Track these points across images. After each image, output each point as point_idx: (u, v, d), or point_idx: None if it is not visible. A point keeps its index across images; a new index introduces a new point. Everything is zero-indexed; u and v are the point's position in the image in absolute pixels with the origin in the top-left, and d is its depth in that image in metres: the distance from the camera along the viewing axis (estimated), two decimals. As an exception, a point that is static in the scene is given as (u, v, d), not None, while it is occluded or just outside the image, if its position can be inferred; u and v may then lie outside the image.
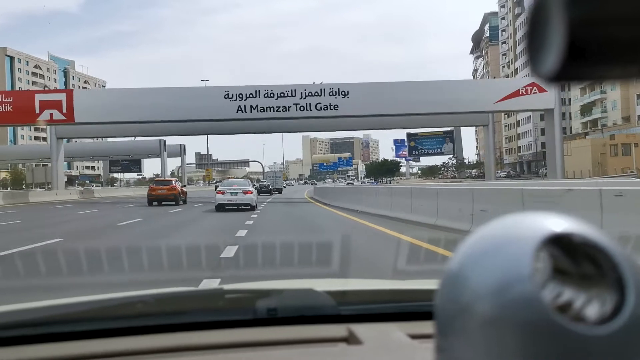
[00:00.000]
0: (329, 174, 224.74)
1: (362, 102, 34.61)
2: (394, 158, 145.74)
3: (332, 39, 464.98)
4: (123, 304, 1.38)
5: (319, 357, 1.17)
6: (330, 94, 34.86)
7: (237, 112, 34.58)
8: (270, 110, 34.67)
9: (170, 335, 1.26)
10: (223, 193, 23.01)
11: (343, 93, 34.91)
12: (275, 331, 1.28)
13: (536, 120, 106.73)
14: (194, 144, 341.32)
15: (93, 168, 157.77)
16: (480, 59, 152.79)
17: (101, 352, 1.17)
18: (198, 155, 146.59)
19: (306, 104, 34.70)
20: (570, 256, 0.57)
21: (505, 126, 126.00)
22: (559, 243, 0.56)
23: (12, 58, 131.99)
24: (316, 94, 34.86)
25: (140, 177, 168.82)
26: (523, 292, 0.53)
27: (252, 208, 22.65)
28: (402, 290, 1.60)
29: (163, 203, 28.63)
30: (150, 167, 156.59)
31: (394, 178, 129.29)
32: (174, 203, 28.67)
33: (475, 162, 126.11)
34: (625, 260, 0.56)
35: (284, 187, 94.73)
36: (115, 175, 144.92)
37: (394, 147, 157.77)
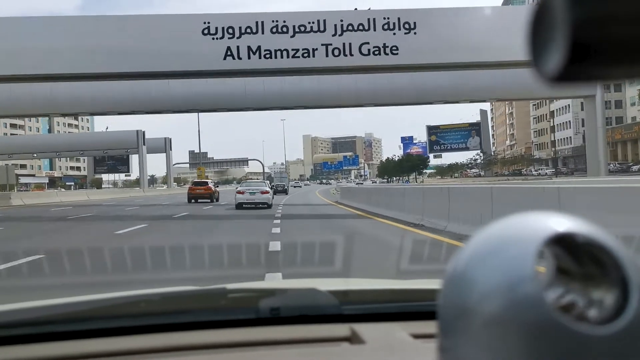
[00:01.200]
0: (331, 174, 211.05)
1: (441, 42, 19.58)
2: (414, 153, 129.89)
3: None
4: (127, 303, 1.38)
5: (321, 357, 1.15)
6: (386, 27, 19.81)
7: (224, 58, 19.48)
8: (281, 56, 19.57)
9: (173, 334, 1.25)
10: (243, 193, 24.81)
11: (407, 26, 19.87)
12: (278, 330, 1.27)
13: (576, 110, 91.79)
14: (186, 142, 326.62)
15: (78, 169, 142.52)
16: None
17: (104, 351, 1.17)
18: (192, 153, 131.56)
19: (343, 44, 19.63)
20: (574, 256, 0.56)
21: (534, 118, 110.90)
22: (562, 243, 0.56)
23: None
24: (361, 27, 19.78)
25: (135, 178, 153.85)
26: (526, 292, 0.53)
27: (268, 206, 24.19)
28: (405, 290, 1.58)
29: (199, 201, 32.28)
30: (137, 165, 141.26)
31: (406, 177, 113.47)
32: (209, 200, 32.44)
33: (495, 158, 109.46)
34: (628, 260, 0.55)
35: (300, 186, 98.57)
36: (104, 176, 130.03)
37: (402, 145, 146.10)
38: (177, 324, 1.28)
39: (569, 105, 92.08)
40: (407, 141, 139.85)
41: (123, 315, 1.31)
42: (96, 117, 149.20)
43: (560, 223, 0.56)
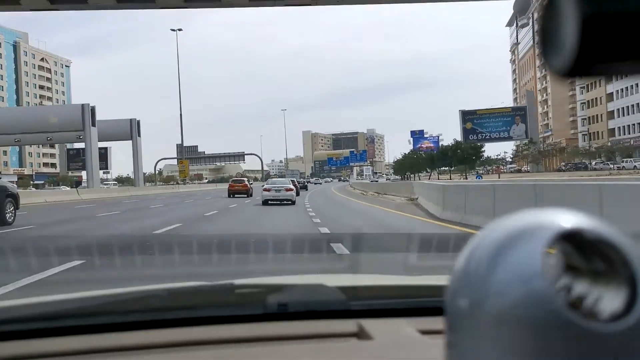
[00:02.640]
0: (333, 171, 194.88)
1: None
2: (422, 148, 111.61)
3: (326, 36, 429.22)
4: (135, 298, 1.37)
5: (329, 352, 1.14)
6: None
7: None
8: None
9: (180, 329, 1.24)
10: (269, 190, 25.83)
11: None
12: (286, 326, 1.26)
13: (647, 90, 73.63)
14: (173, 134, 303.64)
15: (54, 165, 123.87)
16: (525, 28, 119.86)
17: (113, 345, 1.17)
18: (179, 147, 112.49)
19: None
20: (582, 252, 0.56)
21: (582, 104, 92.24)
22: (570, 239, 0.55)
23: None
24: None
25: (118, 175, 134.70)
26: (535, 289, 0.52)
27: (292, 203, 25.21)
28: (413, 286, 1.57)
29: (236, 196, 36.37)
30: (122, 161, 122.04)
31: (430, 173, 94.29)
32: (246, 195, 36.41)
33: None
34: (637, 257, 0.54)
35: (320, 183, 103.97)
36: (82, 173, 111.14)
37: (412, 139, 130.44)
38: (184, 319, 1.27)
39: (635, 85, 73.51)
40: (417, 135, 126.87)
41: (131, 310, 1.30)
42: (74, 96, 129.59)
43: (569, 220, 0.55)
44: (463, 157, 77.39)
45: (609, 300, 0.53)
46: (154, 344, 1.17)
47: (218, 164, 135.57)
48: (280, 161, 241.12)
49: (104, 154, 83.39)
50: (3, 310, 1.31)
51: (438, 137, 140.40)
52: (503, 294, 0.53)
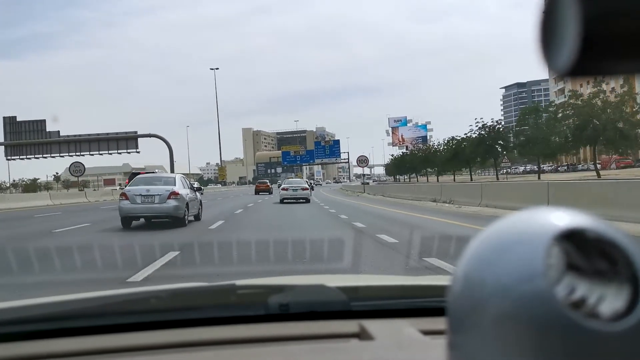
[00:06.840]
0: (276, 174, 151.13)
1: None
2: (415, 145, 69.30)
3: (262, 43, 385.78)
4: (137, 300, 1.37)
5: (330, 353, 1.12)
6: None
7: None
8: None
9: (182, 330, 1.24)
10: (287, 190, 28.55)
11: None
12: (287, 327, 1.25)
13: None
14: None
15: None
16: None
17: (115, 347, 1.16)
18: (10, 121, 58.77)
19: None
20: (584, 252, 0.54)
21: None
22: (572, 239, 0.54)
23: None
24: None
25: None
26: (536, 289, 0.51)
27: (307, 201, 27.66)
28: (414, 286, 1.56)
29: (260, 193, 47.28)
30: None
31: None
32: (268, 193, 48.38)
33: None
34: (639, 256, 0.53)
35: (321, 184, 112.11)
36: None
37: (389, 129, 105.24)
38: (186, 320, 1.26)
39: None
40: (397, 123, 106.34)
41: (134, 311, 1.29)
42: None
43: (571, 219, 0.54)
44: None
45: (611, 299, 0.52)
46: (156, 344, 1.15)
47: (132, 163, 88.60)
48: (217, 164, 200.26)
49: None
50: (5, 311, 1.28)
51: (426, 125, 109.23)
52: (505, 294, 0.52)
